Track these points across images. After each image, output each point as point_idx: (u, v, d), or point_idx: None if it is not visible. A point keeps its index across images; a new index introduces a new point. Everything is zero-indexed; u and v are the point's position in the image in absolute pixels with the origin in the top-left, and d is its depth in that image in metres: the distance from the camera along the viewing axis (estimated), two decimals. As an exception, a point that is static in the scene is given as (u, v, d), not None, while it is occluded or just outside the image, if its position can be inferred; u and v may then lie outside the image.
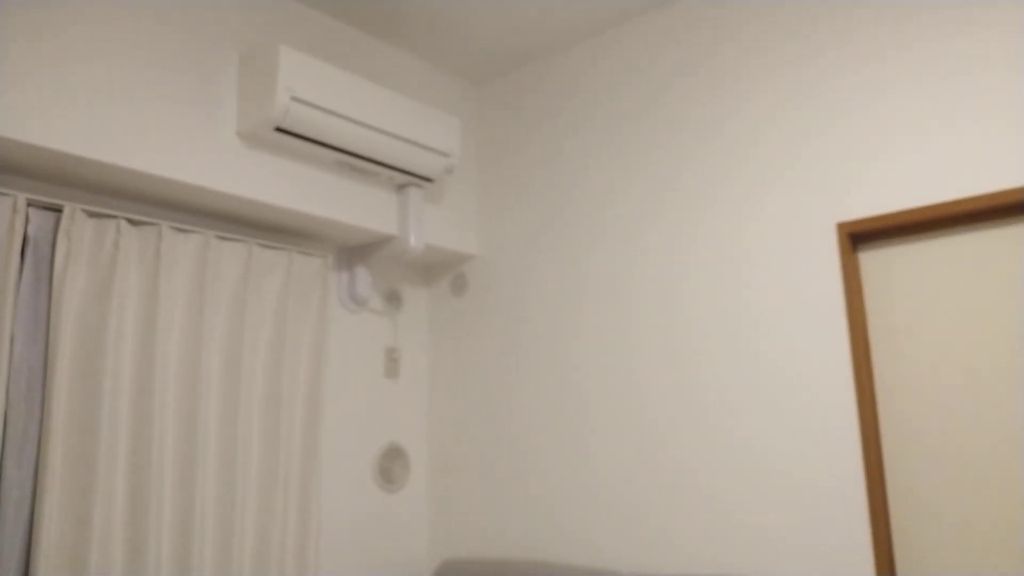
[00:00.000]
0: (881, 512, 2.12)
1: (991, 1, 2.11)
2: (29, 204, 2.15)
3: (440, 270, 3.36)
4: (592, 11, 2.84)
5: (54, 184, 2.28)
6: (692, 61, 2.70)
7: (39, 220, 2.17)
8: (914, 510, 2.12)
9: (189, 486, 2.35)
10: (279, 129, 2.41)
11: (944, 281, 2.16)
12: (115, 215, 2.29)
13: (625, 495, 2.63)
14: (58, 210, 2.20)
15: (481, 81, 3.36)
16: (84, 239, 2.23)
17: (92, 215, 2.26)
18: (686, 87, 2.71)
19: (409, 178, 2.86)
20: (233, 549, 2.42)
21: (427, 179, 2.89)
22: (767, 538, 2.30)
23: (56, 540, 2.08)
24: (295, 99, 2.38)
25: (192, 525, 2.33)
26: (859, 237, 2.28)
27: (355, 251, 3.06)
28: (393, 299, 3.23)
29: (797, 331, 2.33)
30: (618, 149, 2.86)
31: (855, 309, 2.23)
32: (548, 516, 2.82)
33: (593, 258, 2.86)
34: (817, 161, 2.37)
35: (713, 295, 2.53)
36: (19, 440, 2.08)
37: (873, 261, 2.28)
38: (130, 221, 2.34)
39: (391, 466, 3.08)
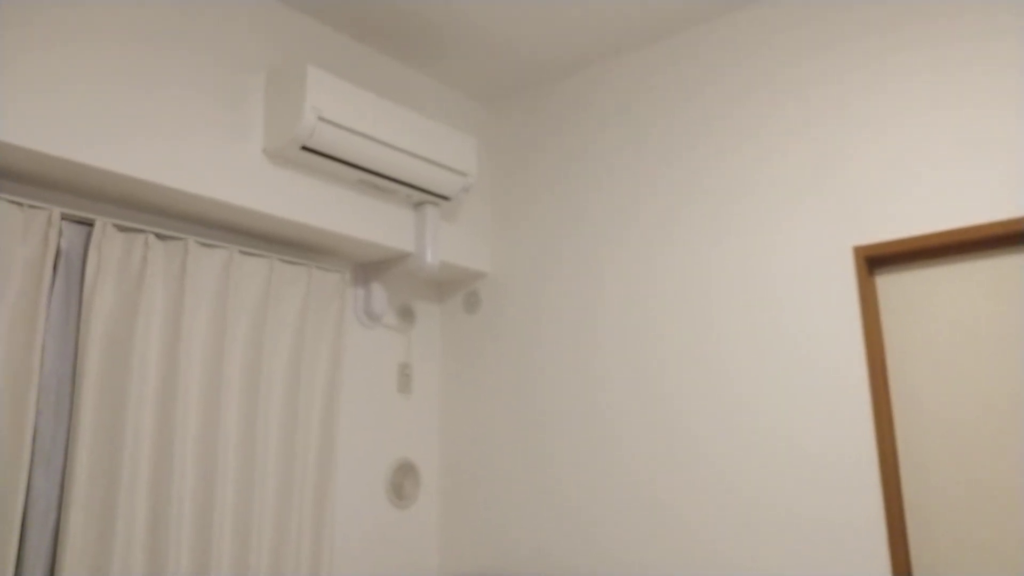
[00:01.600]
0: (900, 536, 2.15)
1: (1007, 34, 2.18)
2: (63, 218, 2.19)
3: (453, 287, 3.40)
4: (605, 34, 2.90)
5: (87, 198, 2.32)
6: (709, 83, 2.76)
7: (71, 233, 2.21)
8: (931, 532, 2.16)
9: (208, 498, 2.37)
10: (305, 148, 2.46)
11: (960, 306, 2.20)
12: (144, 229, 2.33)
13: (647, 509, 2.66)
14: (90, 224, 2.23)
15: (496, 101, 3.43)
16: (114, 253, 2.26)
17: (122, 229, 2.30)
18: (701, 109, 2.77)
19: (427, 196, 2.91)
20: (249, 562, 2.44)
21: (444, 197, 2.95)
22: (787, 561, 2.34)
23: (80, 550, 2.10)
24: (321, 119, 2.43)
25: (210, 538, 2.35)
26: (876, 261, 2.33)
27: (371, 267, 3.10)
28: (407, 315, 3.27)
29: (814, 353, 2.38)
30: (632, 169, 2.91)
31: (872, 333, 2.27)
32: (560, 533, 2.85)
33: (606, 277, 2.90)
34: (835, 185, 2.42)
35: (731, 317, 2.57)
36: (47, 450, 2.11)
37: (890, 285, 2.33)
38: (158, 235, 2.38)
39: (402, 481, 3.11)
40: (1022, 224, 2.06)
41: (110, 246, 2.25)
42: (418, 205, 2.99)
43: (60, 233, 2.18)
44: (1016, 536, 2.03)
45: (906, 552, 2.17)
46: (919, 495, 2.19)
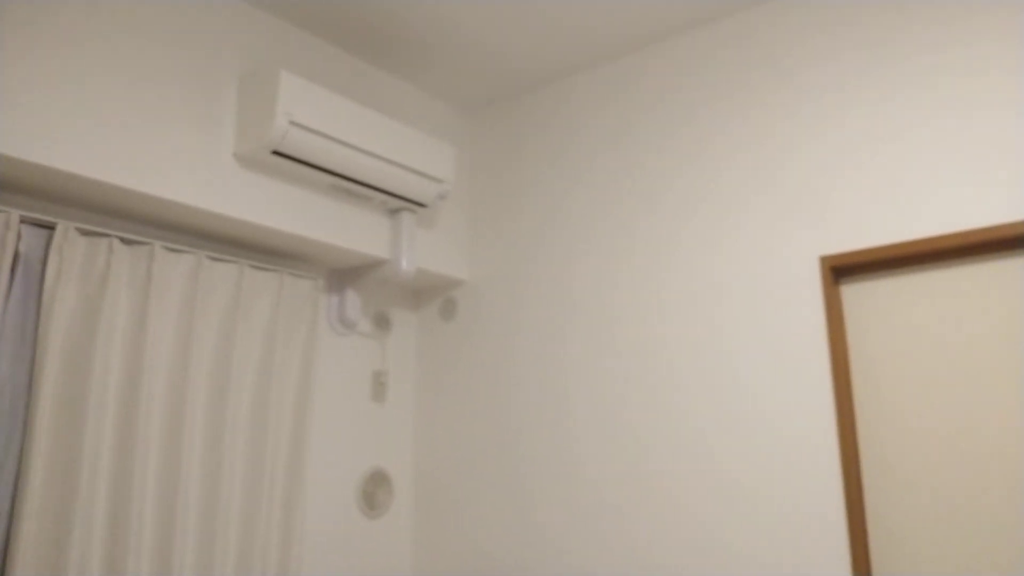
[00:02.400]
0: (861, 544, 2.14)
1: (972, 41, 2.17)
2: (22, 221, 2.14)
3: (429, 295, 3.36)
4: (581, 45, 2.88)
5: (48, 201, 2.27)
6: (677, 93, 2.74)
7: (31, 237, 2.16)
8: (893, 540, 2.14)
9: (171, 507, 2.32)
10: (276, 152, 2.42)
11: (926, 315, 2.20)
12: (108, 234, 2.28)
13: (612, 520, 2.63)
14: (51, 227, 2.18)
15: (474, 109, 3.39)
16: (76, 257, 2.21)
17: (85, 233, 2.25)
18: (670, 119, 2.75)
19: (402, 203, 2.87)
20: (215, 571, 2.39)
21: (420, 204, 2.91)
22: (749, 565, 2.31)
23: (33, 560, 2.05)
24: (293, 123, 2.39)
25: (172, 549, 2.30)
26: (841, 270, 2.32)
27: (345, 274, 3.06)
28: (382, 323, 3.23)
29: (779, 361, 2.36)
30: (607, 178, 2.89)
31: (837, 341, 2.26)
32: (533, 544, 2.81)
33: (580, 285, 2.87)
34: (801, 194, 2.41)
35: (697, 324, 2.55)
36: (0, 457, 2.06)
37: (855, 294, 2.32)
38: (122, 240, 2.33)
39: (375, 491, 3.06)
40: (987, 235, 2.07)
41: (72, 250, 2.20)
42: (394, 212, 2.95)
43: (19, 236, 2.13)
44: (978, 544, 2.00)
45: (867, 563, 2.15)
46: (883, 503, 2.17)
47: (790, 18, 2.54)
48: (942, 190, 2.17)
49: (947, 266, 2.19)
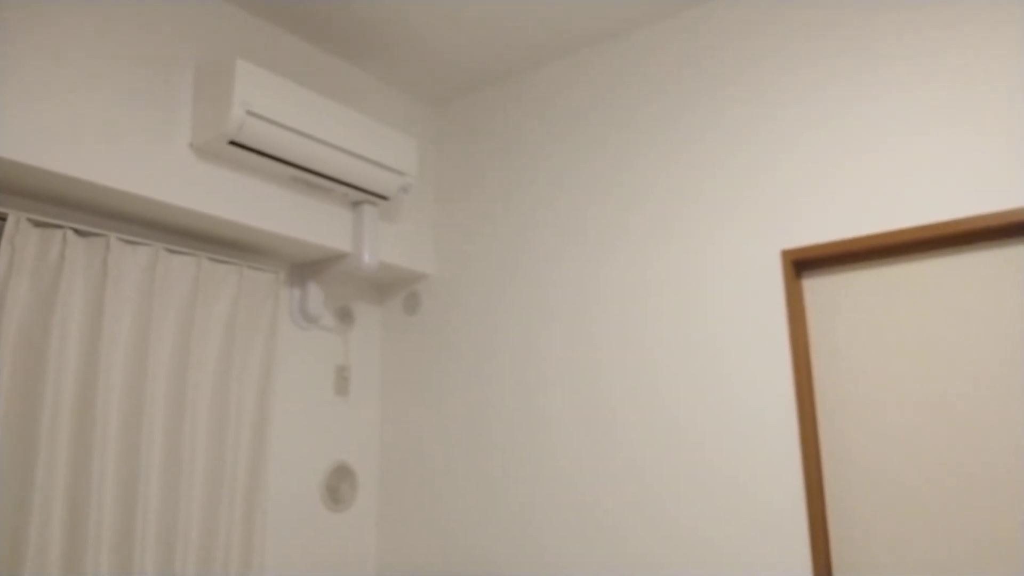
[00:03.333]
0: (821, 532, 2.17)
1: (942, 32, 2.21)
2: (-28, 211, 2.10)
3: (393, 288, 3.36)
4: (550, 39, 2.89)
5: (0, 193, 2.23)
6: (649, 90, 2.77)
7: (-19, 228, 2.13)
8: (853, 530, 2.18)
9: (131, 503, 2.29)
10: (233, 143, 2.40)
11: (885, 308, 2.23)
12: (62, 225, 2.25)
13: (582, 513, 2.64)
14: (2, 218, 2.15)
15: (439, 103, 3.39)
16: (28, 248, 2.18)
17: (38, 224, 2.22)
18: (627, 111, 2.78)
19: (364, 195, 2.86)
20: (175, 567, 2.37)
21: (382, 197, 2.90)
22: (714, 551, 2.34)
23: (-12, 558, 2.02)
24: (250, 113, 2.37)
25: (133, 544, 2.27)
26: (803, 264, 2.35)
27: (307, 267, 3.04)
28: (345, 316, 3.21)
29: (742, 354, 2.39)
30: (577, 175, 2.90)
31: (798, 334, 2.29)
32: (498, 536, 2.82)
33: (548, 280, 2.88)
34: (763, 189, 2.44)
35: (663, 322, 2.57)
36: (-48, 454, 2.02)
37: (816, 288, 2.35)
38: (77, 232, 2.30)
39: (339, 485, 3.05)
40: (949, 228, 2.09)
41: (24, 241, 2.16)
42: (356, 204, 2.94)
43: (-31, 227, 2.09)
44: (940, 536, 2.05)
45: (827, 553, 2.18)
46: (843, 494, 2.21)
47: (747, 10, 2.58)
48: (904, 184, 2.19)
49: (909, 260, 2.21)
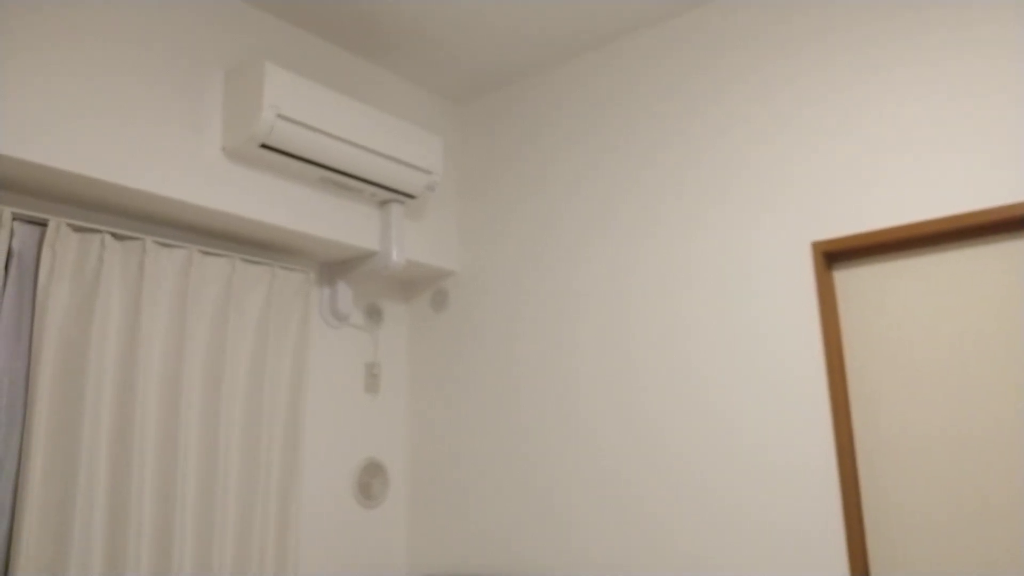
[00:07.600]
0: (856, 522, 2.17)
1: (966, 25, 2.19)
2: (15, 218, 2.15)
3: (421, 286, 3.39)
4: (573, 35, 2.90)
5: (40, 198, 2.28)
6: (676, 83, 2.77)
7: (24, 234, 2.18)
8: (888, 519, 2.18)
9: (169, 501, 2.35)
10: (264, 146, 2.44)
11: (917, 299, 2.22)
12: (100, 229, 2.30)
13: (621, 508, 2.65)
14: (43, 224, 2.20)
15: (463, 101, 3.42)
16: (69, 253, 2.23)
17: (77, 229, 2.27)
18: (671, 108, 2.77)
19: (391, 195, 2.89)
20: (213, 565, 2.41)
21: (409, 196, 2.93)
22: (756, 545, 2.35)
23: (35, 554, 2.07)
24: (280, 116, 2.41)
25: (171, 541, 2.32)
26: (833, 256, 2.35)
27: (336, 266, 3.08)
28: (374, 314, 3.25)
29: (775, 345, 2.39)
30: (604, 169, 2.92)
31: (830, 326, 2.29)
32: (530, 532, 2.84)
33: (578, 274, 2.90)
34: (793, 182, 2.44)
35: (698, 315, 2.57)
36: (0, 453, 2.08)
37: (847, 280, 2.34)
38: (114, 235, 2.35)
39: (370, 481, 3.09)
40: (981, 218, 2.08)
41: (64, 246, 2.21)
42: (383, 203, 2.98)
43: (12, 233, 2.15)
44: (975, 533, 2.04)
45: (864, 551, 2.18)
46: (877, 489, 2.20)
47: (793, 15, 2.55)
48: (935, 174, 2.18)
49: (941, 250, 2.20)
